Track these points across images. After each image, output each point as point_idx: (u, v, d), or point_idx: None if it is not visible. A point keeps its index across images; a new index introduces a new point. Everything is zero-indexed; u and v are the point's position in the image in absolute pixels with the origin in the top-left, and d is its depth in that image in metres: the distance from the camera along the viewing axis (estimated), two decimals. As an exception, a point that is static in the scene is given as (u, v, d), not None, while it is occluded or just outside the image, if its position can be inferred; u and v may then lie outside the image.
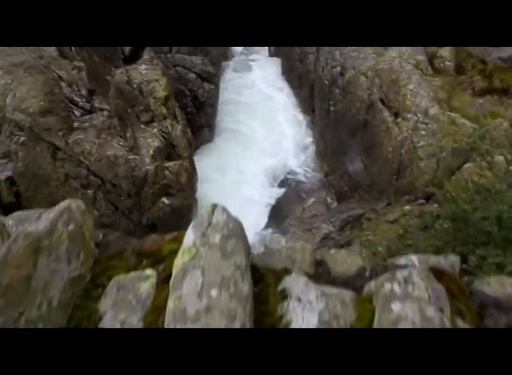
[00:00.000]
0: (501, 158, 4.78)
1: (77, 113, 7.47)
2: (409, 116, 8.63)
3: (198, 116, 10.93)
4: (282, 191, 10.46)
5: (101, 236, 1.77)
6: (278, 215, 10.03)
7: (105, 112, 7.70)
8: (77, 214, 1.58)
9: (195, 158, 9.60)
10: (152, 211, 7.77)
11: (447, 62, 10.20)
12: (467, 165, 7.23)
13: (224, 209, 1.56)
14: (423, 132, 8.38)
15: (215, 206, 1.56)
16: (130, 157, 7.42)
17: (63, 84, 7.59)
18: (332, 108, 10.41)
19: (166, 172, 7.93)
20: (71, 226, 1.57)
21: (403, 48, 9.68)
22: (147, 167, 7.60)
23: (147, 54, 9.69)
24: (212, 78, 11.12)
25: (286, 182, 10.63)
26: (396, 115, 8.88)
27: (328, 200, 10.15)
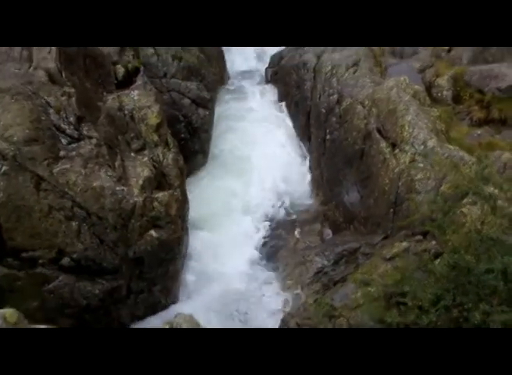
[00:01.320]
0: (505, 204, 4.54)
1: (64, 141, 7.21)
2: (407, 147, 8.42)
3: (192, 141, 10.71)
4: (275, 220, 10.21)
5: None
6: (271, 245, 9.76)
7: (94, 140, 7.44)
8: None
9: (187, 185, 9.35)
10: (139, 244, 7.46)
11: (445, 92, 10.09)
12: (465, 200, 6.99)
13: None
14: (421, 165, 8.16)
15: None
16: (118, 188, 7.14)
17: (51, 111, 7.35)
18: (328, 136, 10.22)
19: (155, 203, 7.65)
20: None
21: (401, 78, 9.53)
22: (136, 199, 7.32)
23: (140, 79, 9.51)
24: (207, 103, 10.94)
25: (280, 211, 10.37)
26: (394, 146, 8.67)
27: (323, 231, 9.88)
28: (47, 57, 7.80)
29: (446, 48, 10.99)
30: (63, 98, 7.56)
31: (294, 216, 10.18)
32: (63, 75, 7.83)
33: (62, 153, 7.10)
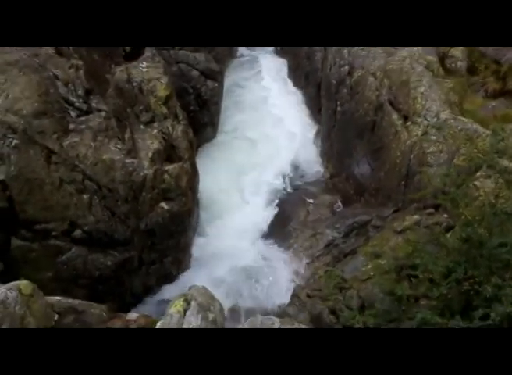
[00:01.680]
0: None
1: (73, 114, 7.17)
2: (419, 119, 8.29)
3: (201, 114, 10.64)
4: (286, 192, 10.20)
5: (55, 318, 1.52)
6: (281, 218, 9.77)
7: (103, 113, 7.40)
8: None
9: (197, 158, 9.33)
10: (151, 216, 7.50)
11: (459, 63, 9.87)
12: (479, 173, 6.90)
13: (199, 310, 1.29)
14: (433, 137, 8.04)
15: (186, 302, 1.28)
16: (128, 161, 7.13)
17: (59, 84, 7.28)
18: (339, 108, 10.09)
19: (166, 175, 7.64)
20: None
21: (414, 48, 9.32)
22: (146, 171, 7.32)
23: (148, 51, 9.36)
24: (216, 76, 10.80)
25: (290, 183, 10.35)
26: (406, 118, 8.54)
27: (334, 203, 9.85)
28: (54, 28, 7.70)
29: (462, 17, 10.72)
30: (71, 71, 7.49)
31: (304, 189, 10.16)
32: (70, 47, 7.73)
33: (71, 126, 7.07)
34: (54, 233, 6.91)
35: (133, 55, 9.14)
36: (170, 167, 7.81)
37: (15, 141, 6.55)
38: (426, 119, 8.20)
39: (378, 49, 9.82)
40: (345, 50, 10.21)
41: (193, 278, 8.00)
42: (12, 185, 6.59)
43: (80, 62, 7.61)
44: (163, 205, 7.59)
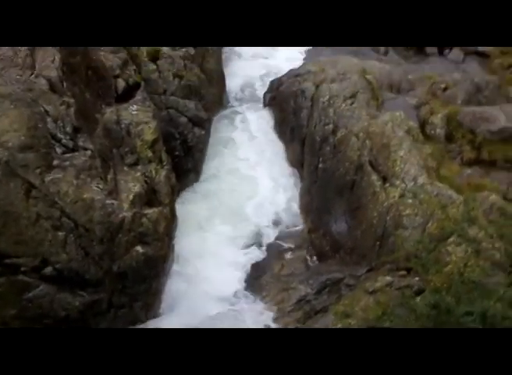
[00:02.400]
0: (488, 245, 4.62)
1: (59, 151, 7.23)
2: (397, 182, 8.56)
3: (186, 160, 10.75)
4: (263, 243, 10.21)
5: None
6: (256, 269, 9.74)
7: (88, 152, 7.48)
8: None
9: (177, 203, 9.37)
10: (125, 259, 7.44)
11: (438, 130, 10.31)
12: (451, 238, 7.07)
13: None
14: (410, 200, 8.27)
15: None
16: (108, 202, 7.15)
17: (49, 119, 7.38)
18: (321, 165, 10.33)
19: (144, 219, 7.66)
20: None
21: (397, 113, 9.71)
22: (125, 213, 7.33)
23: (140, 94, 9.59)
24: (204, 123, 11.02)
25: (268, 235, 10.38)
26: (385, 179, 8.80)
27: (308, 258, 9.89)
28: (50, 65, 7.86)
29: (442, 86, 11.25)
30: (62, 108, 7.61)
31: (281, 242, 10.19)
32: (64, 85, 7.88)
33: (55, 162, 7.11)
34: (23, 269, 6.80)
35: (125, 97, 9.34)
36: (150, 211, 7.84)
37: (-4, 173, 6.55)
38: (404, 183, 8.46)
39: (363, 111, 10.21)
40: (331, 109, 10.57)
41: (162, 326, 7.85)
42: (-12, 216, 6.53)
43: (72, 100, 7.75)
44: (138, 248, 7.56)
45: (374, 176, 8.91)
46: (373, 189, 8.79)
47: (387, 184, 8.67)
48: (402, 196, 8.34)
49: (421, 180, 8.41)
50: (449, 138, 10.20)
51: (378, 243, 8.45)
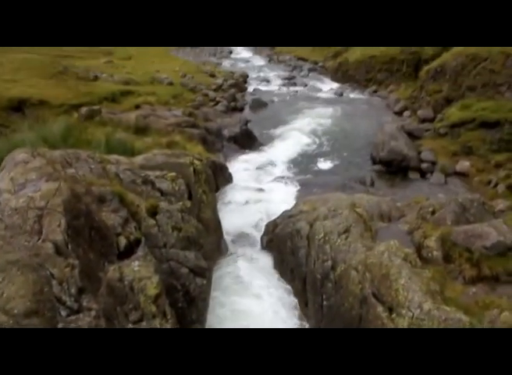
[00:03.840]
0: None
1: (63, 313, 7.25)
2: (403, 311, 8.49)
3: (189, 310, 10.67)
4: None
5: None
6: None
7: (93, 312, 7.48)
8: None
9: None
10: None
11: (435, 252, 10.49)
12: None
13: None
14: (419, 329, 8.12)
15: None
16: (114, 361, 6.98)
17: (54, 283, 7.52)
18: (325, 302, 10.30)
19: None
20: None
21: (391, 242, 9.98)
22: None
23: (141, 250, 9.88)
24: (204, 272, 11.17)
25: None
26: (391, 310, 8.74)
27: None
28: (56, 229, 8.24)
29: (430, 210, 11.72)
30: (67, 270, 7.81)
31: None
32: (69, 247, 8.19)
33: (60, 325, 7.08)
34: None
35: (127, 254, 9.61)
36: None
37: None
38: (410, 311, 8.39)
39: (358, 244, 10.50)
40: (327, 245, 10.87)
41: None
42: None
43: (76, 261, 7.97)
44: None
45: (379, 308, 8.87)
46: (381, 321, 8.69)
47: (394, 314, 8.59)
48: (410, 325, 8.22)
49: (427, 306, 8.36)
50: (446, 259, 10.33)
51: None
